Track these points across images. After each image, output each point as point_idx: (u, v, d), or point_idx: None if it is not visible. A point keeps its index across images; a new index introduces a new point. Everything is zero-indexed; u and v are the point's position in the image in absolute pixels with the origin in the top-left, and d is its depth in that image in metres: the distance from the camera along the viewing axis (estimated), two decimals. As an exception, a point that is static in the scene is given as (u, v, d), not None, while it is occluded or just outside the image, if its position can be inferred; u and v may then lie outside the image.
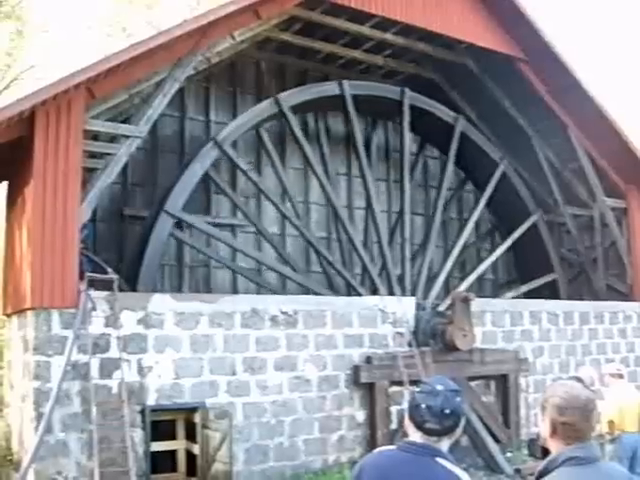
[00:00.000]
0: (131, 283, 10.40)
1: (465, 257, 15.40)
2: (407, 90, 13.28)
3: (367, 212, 13.95)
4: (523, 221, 14.60)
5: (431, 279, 13.28)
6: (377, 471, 2.68)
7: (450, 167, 13.95)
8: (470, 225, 14.14)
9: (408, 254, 12.94)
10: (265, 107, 11.94)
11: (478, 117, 15.16)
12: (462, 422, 2.72)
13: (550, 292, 14.72)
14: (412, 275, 12.89)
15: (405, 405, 10.93)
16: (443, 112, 13.94)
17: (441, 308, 12.39)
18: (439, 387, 2.69)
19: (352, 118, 12.59)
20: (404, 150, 13.32)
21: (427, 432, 2.66)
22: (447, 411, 2.63)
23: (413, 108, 13.35)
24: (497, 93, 14.52)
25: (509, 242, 14.52)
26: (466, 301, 11.45)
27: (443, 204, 13.97)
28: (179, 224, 11.65)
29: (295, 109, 12.27)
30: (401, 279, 12.72)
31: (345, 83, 12.55)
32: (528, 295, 14.51)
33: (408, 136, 13.52)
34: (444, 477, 2.57)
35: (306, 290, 12.10)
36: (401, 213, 13.38)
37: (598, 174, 14.94)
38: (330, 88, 12.61)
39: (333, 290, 12.92)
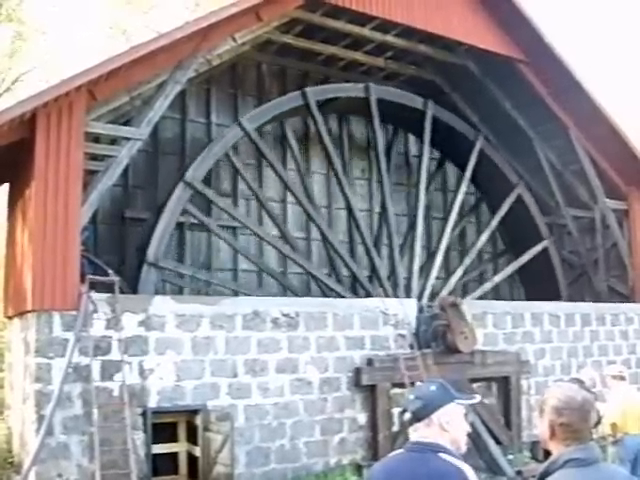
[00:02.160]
0: (132, 285, 10.41)
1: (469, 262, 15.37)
2: (430, 102, 13.51)
3: (369, 214, 14.00)
4: (534, 242, 14.66)
5: (435, 282, 13.26)
6: (384, 471, 2.81)
7: (467, 178, 14.00)
8: (483, 238, 14.16)
9: (418, 258, 12.95)
10: (291, 98, 12.10)
11: (479, 119, 15.15)
12: (441, 408, 2.78)
13: (551, 294, 14.67)
14: (419, 278, 12.87)
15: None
16: (463, 127, 14.16)
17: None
18: (420, 383, 2.98)
19: (375, 122, 12.78)
20: (422, 159, 13.48)
21: (407, 423, 2.83)
22: (411, 396, 2.85)
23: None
24: (498, 95, 14.51)
25: (516, 265, 14.62)
26: (454, 305, 11.40)
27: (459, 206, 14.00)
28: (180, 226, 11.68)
29: (319, 106, 12.35)
30: (406, 281, 12.72)
31: (372, 87, 12.81)
32: (528, 297, 14.51)
33: (428, 150, 13.64)
34: (445, 470, 2.65)
35: (308, 289, 12.10)
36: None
37: (599, 176, 14.93)
38: (356, 90, 12.87)
39: (340, 284, 12.84)
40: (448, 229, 13.54)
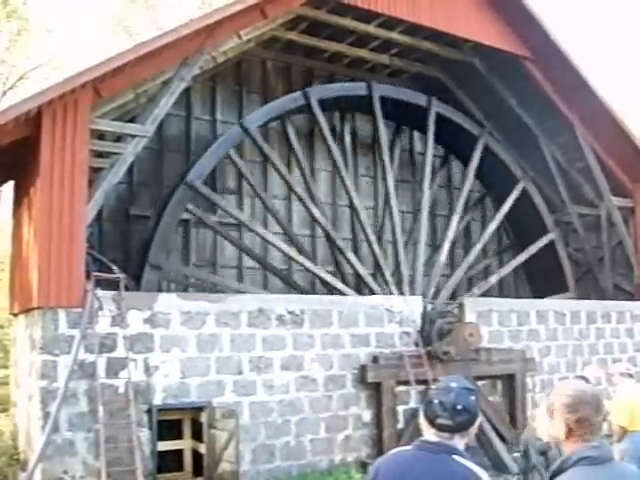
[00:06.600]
0: (137, 282, 10.42)
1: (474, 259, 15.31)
2: (434, 99, 13.45)
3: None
4: (538, 234, 14.52)
5: (441, 279, 13.22)
6: (393, 470, 2.70)
7: (471, 174, 13.96)
8: (488, 231, 14.05)
9: (422, 255, 12.91)
10: (293, 98, 12.13)
11: (484, 116, 15.11)
12: (477, 421, 2.72)
13: (558, 290, 14.61)
14: (423, 275, 12.84)
15: (413, 405, 10.94)
16: (467, 122, 14.07)
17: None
18: (453, 384, 2.72)
19: (379, 120, 12.79)
20: (426, 155, 13.44)
21: (439, 428, 2.67)
22: (459, 407, 2.65)
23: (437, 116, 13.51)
24: (503, 92, 14.47)
25: (521, 258, 14.46)
26: (439, 355, 11.27)
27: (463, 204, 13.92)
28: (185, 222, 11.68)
29: (321, 104, 12.31)
30: (410, 278, 12.70)
31: (374, 84, 12.81)
32: (535, 294, 14.45)
33: (432, 146, 13.58)
34: (461, 474, 2.57)
35: (313, 287, 12.08)
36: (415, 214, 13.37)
37: (605, 173, 14.88)
38: (358, 88, 12.87)
39: (344, 283, 12.82)
40: (453, 224, 13.48)
